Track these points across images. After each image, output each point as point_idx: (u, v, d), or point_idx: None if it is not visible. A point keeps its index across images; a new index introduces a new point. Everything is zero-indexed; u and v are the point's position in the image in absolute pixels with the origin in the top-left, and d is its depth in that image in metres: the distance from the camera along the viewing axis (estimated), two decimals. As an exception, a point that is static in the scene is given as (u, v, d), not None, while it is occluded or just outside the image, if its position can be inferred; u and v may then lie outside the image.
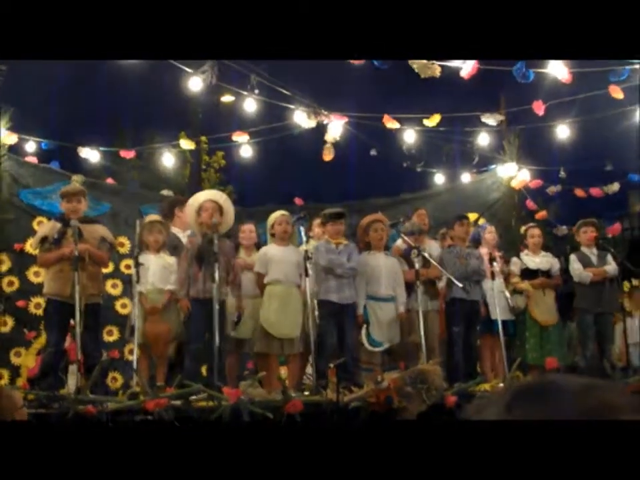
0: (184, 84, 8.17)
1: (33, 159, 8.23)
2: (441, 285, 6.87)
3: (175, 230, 6.79)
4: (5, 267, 7.50)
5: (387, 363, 6.51)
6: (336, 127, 8.77)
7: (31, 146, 8.37)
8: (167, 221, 6.69)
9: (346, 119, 8.93)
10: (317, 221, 7.09)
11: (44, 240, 6.03)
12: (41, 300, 6.96)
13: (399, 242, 7.12)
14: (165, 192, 9.65)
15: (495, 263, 6.81)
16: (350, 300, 6.35)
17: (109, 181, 9.39)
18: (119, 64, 7.54)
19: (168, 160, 9.49)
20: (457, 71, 7.39)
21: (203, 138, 11.92)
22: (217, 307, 5.65)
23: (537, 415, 0.87)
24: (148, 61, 7.22)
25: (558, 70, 7.19)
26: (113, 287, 7.83)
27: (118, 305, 7.85)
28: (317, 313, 6.15)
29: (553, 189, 9.77)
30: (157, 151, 9.81)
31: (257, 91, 8.24)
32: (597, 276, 7.34)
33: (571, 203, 10.17)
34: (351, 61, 6.73)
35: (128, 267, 7.66)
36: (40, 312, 7.11)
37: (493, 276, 6.77)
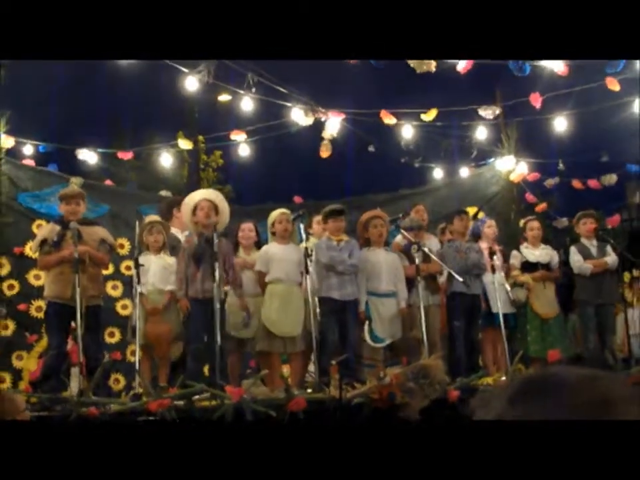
0: (180, 84, 8.17)
1: (31, 162, 8.22)
2: (442, 279, 6.87)
3: (173, 230, 6.80)
4: (5, 271, 7.49)
5: (389, 358, 6.52)
6: (333, 123, 8.78)
7: (28, 149, 8.36)
8: (166, 221, 6.70)
9: (343, 116, 8.93)
10: (317, 218, 7.09)
11: (43, 243, 6.03)
12: (41, 303, 6.96)
13: (399, 238, 7.12)
14: (164, 192, 9.65)
15: (495, 257, 6.82)
16: (351, 297, 6.35)
17: (108, 182, 9.37)
18: (115, 65, 7.53)
19: (166, 160, 9.48)
20: (452, 65, 7.40)
21: (201, 137, 11.92)
22: (217, 306, 5.65)
23: (540, 408, 0.87)
24: (144, 61, 7.21)
25: (554, 62, 7.19)
26: (113, 289, 7.83)
27: (119, 307, 7.85)
28: (318, 310, 6.15)
29: (550, 182, 9.77)
30: (155, 152, 9.78)
31: (253, 89, 8.24)
32: (597, 267, 7.35)
33: (569, 195, 10.17)
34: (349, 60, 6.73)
35: (128, 268, 7.66)
36: (41, 315, 7.10)
37: (493, 269, 6.77)
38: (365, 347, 6.39)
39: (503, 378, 6.20)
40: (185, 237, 6.43)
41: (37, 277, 7.36)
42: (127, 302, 7.67)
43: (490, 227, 7.52)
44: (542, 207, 9.50)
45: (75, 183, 7.68)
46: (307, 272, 6.07)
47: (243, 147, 9.27)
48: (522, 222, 7.93)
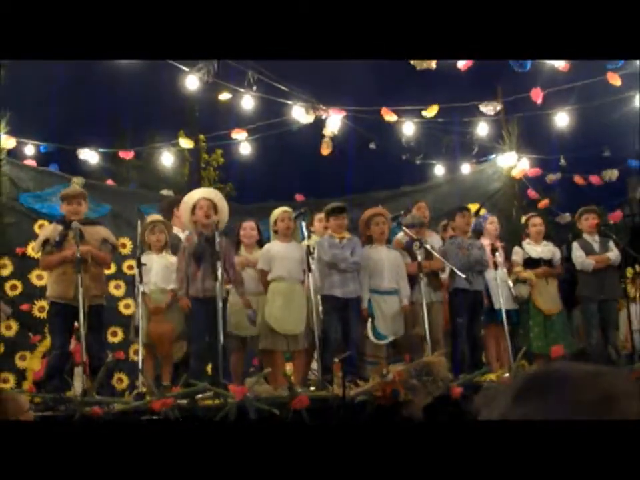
0: (181, 82, 8.16)
1: (32, 163, 8.22)
2: (444, 276, 6.87)
3: (175, 230, 6.80)
4: (7, 271, 7.50)
5: (391, 355, 6.51)
6: (334, 121, 8.77)
7: (29, 149, 8.36)
8: (167, 220, 6.71)
9: (344, 113, 8.92)
10: (318, 216, 7.09)
11: (45, 243, 6.03)
12: (44, 303, 6.96)
13: (400, 235, 7.12)
14: (165, 191, 9.65)
15: (497, 253, 6.81)
16: (354, 294, 6.35)
17: (109, 182, 9.38)
18: (115, 64, 7.53)
19: (167, 159, 9.48)
20: (453, 62, 7.39)
21: (201, 136, 11.92)
22: (220, 304, 5.65)
23: (544, 405, 0.87)
24: (144, 61, 7.20)
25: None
26: (115, 288, 7.84)
27: (121, 306, 7.86)
28: (321, 308, 6.15)
29: (552, 177, 9.75)
30: (156, 151, 9.79)
31: (254, 88, 8.23)
32: (599, 263, 7.34)
33: (571, 191, 10.16)
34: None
35: (130, 267, 7.66)
36: (44, 315, 7.12)
37: (495, 266, 6.77)
38: (367, 345, 6.38)
39: (506, 374, 6.19)
40: (185, 236, 6.43)
41: (40, 277, 7.36)
42: (130, 301, 7.68)
43: (492, 224, 7.51)
44: (544, 203, 9.48)
45: (77, 183, 7.69)
46: (310, 270, 6.07)
47: (244, 145, 9.26)
48: (524, 218, 7.92)
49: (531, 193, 9.57)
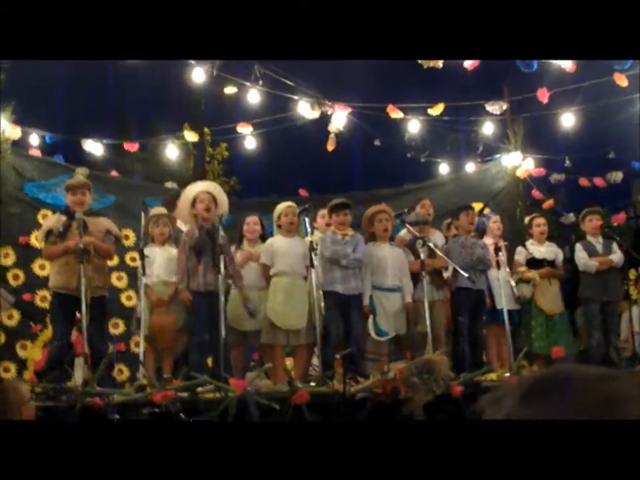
0: (187, 75, 8.16)
1: (37, 153, 8.22)
2: (447, 275, 6.86)
3: (178, 223, 6.80)
4: (10, 261, 7.51)
5: (393, 353, 6.51)
6: (339, 117, 8.76)
7: (34, 139, 8.35)
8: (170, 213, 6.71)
9: (350, 110, 8.91)
10: (321, 212, 7.09)
11: (49, 233, 6.03)
12: (46, 293, 6.97)
13: (403, 232, 7.11)
14: (169, 184, 9.64)
15: (500, 253, 6.81)
16: (356, 291, 6.35)
17: (113, 173, 9.38)
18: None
19: (171, 152, 9.47)
20: (460, 61, 7.38)
21: (206, 130, 11.90)
22: (222, 298, 5.65)
23: (550, 407, 0.87)
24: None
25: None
26: (118, 280, 7.84)
27: (123, 298, 7.86)
28: (322, 304, 6.15)
29: (556, 177, 9.74)
30: (161, 143, 9.79)
31: (260, 82, 8.23)
32: (602, 265, 7.33)
33: (575, 191, 10.15)
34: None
35: (133, 259, 7.67)
36: (46, 305, 7.12)
37: (498, 265, 6.76)
38: (369, 341, 6.39)
39: (507, 374, 6.20)
40: (186, 229, 6.43)
41: (42, 267, 7.37)
42: (132, 293, 7.69)
43: (495, 223, 7.51)
44: (549, 203, 9.47)
45: (81, 174, 7.68)
46: (312, 266, 6.07)
47: (249, 139, 9.26)
48: (527, 218, 7.91)
49: (535, 193, 9.55)
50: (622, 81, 7.90)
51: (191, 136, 9.59)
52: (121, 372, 7.66)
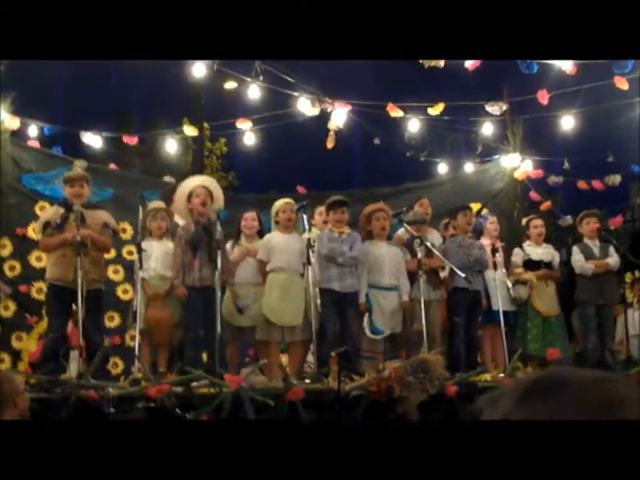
0: (187, 70, 8.14)
1: (35, 144, 8.21)
2: (443, 274, 6.87)
3: (175, 217, 6.80)
4: (6, 252, 7.50)
5: (388, 351, 6.52)
6: (339, 114, 8.75)
7: (33, 131, 8.34)
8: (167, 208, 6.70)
9: (349, 107, 8.90)
10: (319, 209, 7.09)
11: (46, 225, 6.02)
12: (42, 285, 6.96)
13: (401, 231, 7.11)
14: (168, 178, 9.63)
15: (497, 254, 6.81)
16: (352, 289, 6.35)
17: (112, 166, 9.37)
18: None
19: (170, 146, 9.46)
20: (460, 61, 7.38)
21: (206, 124, 11.89)
22: (219, 293, 5.65)
23: (548, 408, 0.87)
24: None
25: (562, 61, 7.17)
26: (114, 273, 7.83)
27: (119, 291, 7.86)
28: (319, 301, 6.15)
29: (554, 179, 9.75)
30: (160, 137, 9.78)
31: (260, 78, 8.22)
32: (598, 268, 7.33)
33: (572, 194, 10.16)
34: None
35: (130, 252, 7.66)
36: (42, 297, 7.11)
37: (495, 266, 6.77)
38: (364, 339, 6.39)
39: (501, 375, 6.20)
40: (182, 224, 6.42)
41: (39, 259, 7.36)
42: (128, 286, 7.67)
43: (492, 223, 7.51)
44: (547, 205, 9.48)
45: (79, 166, 7.66)
46: (309, 263, 6.07)
47: (248, 135, 9.25)
48: (525, 220, 7.91)
49: (533, 195, 9.57)
50: (622, 84, 7.90)
51: (190, 130, 9.58)
52: (116, 365, 7.65)
